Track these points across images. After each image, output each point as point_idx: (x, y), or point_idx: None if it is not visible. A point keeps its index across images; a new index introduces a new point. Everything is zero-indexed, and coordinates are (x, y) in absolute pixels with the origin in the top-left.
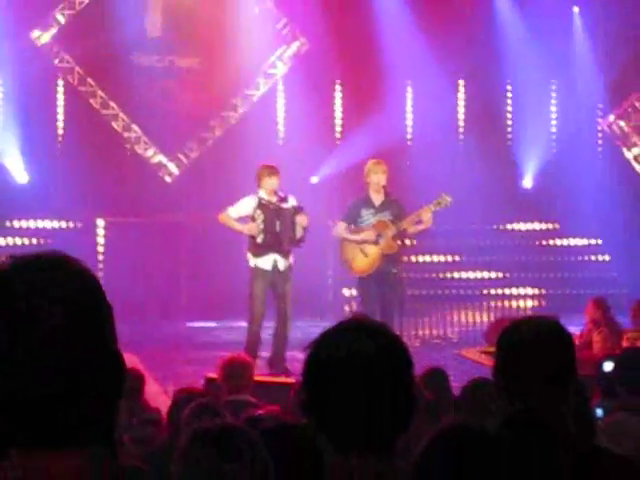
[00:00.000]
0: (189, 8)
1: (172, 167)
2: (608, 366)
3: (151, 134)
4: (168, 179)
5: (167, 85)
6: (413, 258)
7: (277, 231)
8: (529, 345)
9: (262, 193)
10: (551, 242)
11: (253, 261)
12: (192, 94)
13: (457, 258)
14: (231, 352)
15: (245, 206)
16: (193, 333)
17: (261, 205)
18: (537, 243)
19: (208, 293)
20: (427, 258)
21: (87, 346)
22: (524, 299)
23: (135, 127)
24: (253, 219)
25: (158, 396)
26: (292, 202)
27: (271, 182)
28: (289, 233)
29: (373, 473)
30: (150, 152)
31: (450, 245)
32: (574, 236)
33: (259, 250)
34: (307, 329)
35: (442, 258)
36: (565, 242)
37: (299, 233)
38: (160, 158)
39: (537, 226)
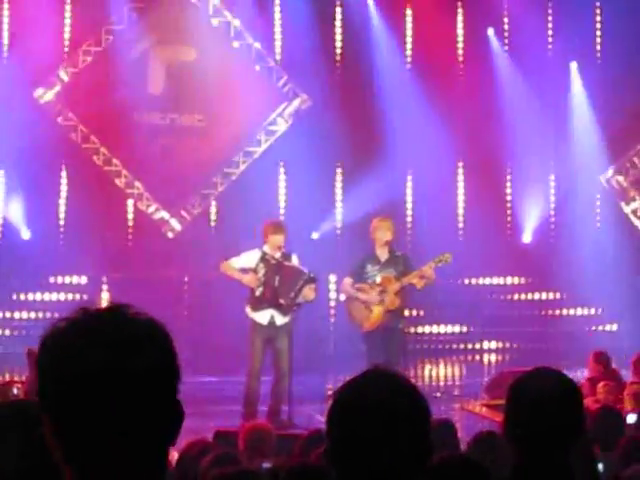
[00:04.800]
0: (191, 66)
1: (174, 223)
2: (631, 418)
3: (154, 190)
4: (170, 235)
5: (169, 142)
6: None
7: (275, 286)
8: (541, 399)
9: (266, 248)
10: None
11: (251, 315)
12: (194, 151)
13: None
14: (244, 416)
15: (249, 259)
16: (197, 388)
17: (264, 259)
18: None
19: (211, 348)
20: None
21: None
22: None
23: (138, 184)
24: (255, 272)
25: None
26: (295, 260)
27: (277, 239)
28: (288, 291)
29: None
30: (152, 208)
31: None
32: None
33: (257, 304)
34: (308, 383)
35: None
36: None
37: (301, 299)
38: (162, 214)
39: (543, 296)
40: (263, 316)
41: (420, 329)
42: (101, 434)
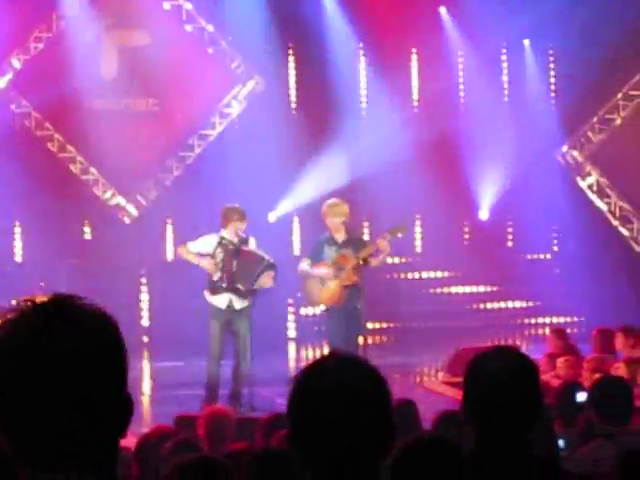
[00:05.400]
0: (144, 50)
1: (131, 208)
2: (581, 396)
3: (109, 176)
4: (127, 220)
5: (124, 127)
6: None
7: (233, 271)
8: (498, 377)
9: (224, 233)
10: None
11: (209, 299)
12: (149, 135)
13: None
14: (203, 400)
15: (206, 244)
16: (158, 373)
17: (222, 244)
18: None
19: (171, 332)
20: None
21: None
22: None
23: (93, 170)
24: (212, 257)
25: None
26: (252, 244)
27: (239, 225)
28: (246, 276)
29: None
30: (108, 194)
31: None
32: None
33: (215, 288)
34: (268, 366)
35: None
36: None
37: (258, 286)
38: (119, 200)
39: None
40: (221, 300)
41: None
42: (44, 425)
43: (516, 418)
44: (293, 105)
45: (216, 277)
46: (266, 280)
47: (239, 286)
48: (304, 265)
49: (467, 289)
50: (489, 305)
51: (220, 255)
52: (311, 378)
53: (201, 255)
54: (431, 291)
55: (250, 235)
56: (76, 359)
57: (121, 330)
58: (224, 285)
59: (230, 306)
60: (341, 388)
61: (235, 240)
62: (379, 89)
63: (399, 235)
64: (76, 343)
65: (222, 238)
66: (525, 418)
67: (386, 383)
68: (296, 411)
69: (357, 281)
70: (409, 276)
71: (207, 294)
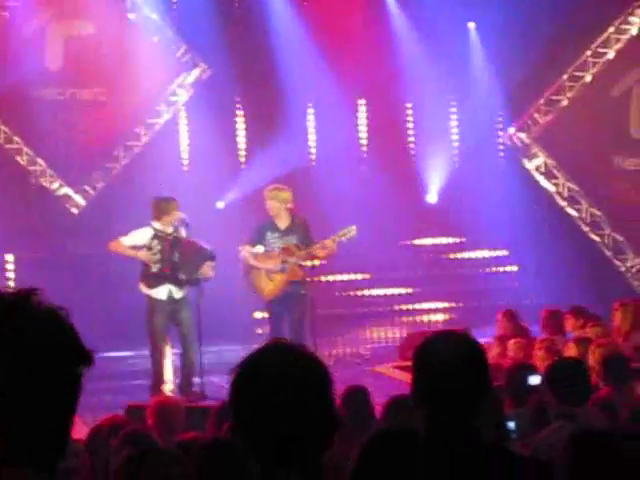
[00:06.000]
0: (88, 39)
1: (78, 198)
2: (535, 379)
3: (56, 167)
4: (75, 210)
5: (70, 117)
6: (323, 278)
7: (175, 261)
8: (444, 361)
9: (157, 225)
10: (458, 255)
11: (147, 291)
12: (96, 125)
13: (367, 276)
14: (152, 390)
15: (140, 236)
16: (107, 363)
17: (157, 236)
18: (444, 257)
19: (120, 322)
20: (337, 277)
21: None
22: (435, 313)
23: (40, 160)
24: (149, 249)
25: (77, 427)
26: (183, 233)
27: (172, 215)
28: (189, 266)
29: None
30: (56, 185)
31: (358, 263)
32: (481, 248)
33: (153, 280)
34: (219, 353)
35: (352, 277)
36: (472, 255)
37: (199, 275)
38: (66, 190)
39: (444, 240)
40: (161, 292)
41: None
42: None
43: (464, 403)
44: (239, 92)
45: (155, 268)
46: (207, 270)
47: (181, 276)
48: (247, 254)
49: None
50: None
51: (158, 247)
52: (252, 366)
53: (136, 248)
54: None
55: (183, 224)
56: (35, 354)
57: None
58: (166, 275)
59: (170, 296)
60: (282, 376)
61: (169, 230)
62: (325, 75)
63: (346, 237)
64: (36, 339)
65: (156, 230)
66: (473, 403)
67: (328, 371)
68: (238, 399)
69: (302, 275)
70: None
71: (144, 287)
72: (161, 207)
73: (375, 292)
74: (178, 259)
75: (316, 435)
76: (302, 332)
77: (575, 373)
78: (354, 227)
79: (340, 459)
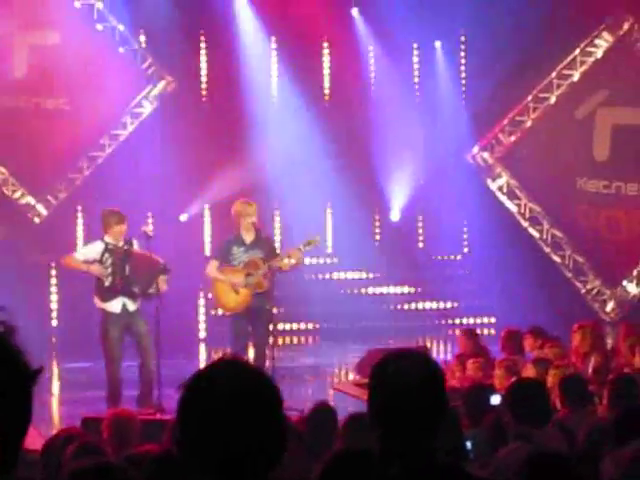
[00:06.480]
0: (54, 49)
1: (40, 208)
2: (495, 399)
3: (19, 175)
4: (37, 220)
5: (34, 126)
6: None
7: (127, 275)
8: (401, 381)
9: (108, 238)
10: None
11: (101, 305)
12: (59, 135)
13: None
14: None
15: (91, 251)
16: (67, 374)
17: (108, 250)
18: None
19: (80, 333)
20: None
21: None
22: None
23: (2, 169)
24: (101, 263)
25: (34, 438)
26: (135, 246)
27: (121, 228)
28: (142, 279)
29: None
30: (18, 194)
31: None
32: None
33: (107, 294)
34: (178, 367)
35: None
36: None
37: (153, 290)
38: (28, 199)
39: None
40: (115, 305)
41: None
42: None
43: (420, 424)
44: (204, 105)
45: (108, 282)
46: (161, 284)
47: (134, 289)
48: (213, 269)
49: (379, 290)
50: (404, 306)
51: (109, 260)
52: (200, 383)
53: (89, 262)
54: (342, 292)
55: (146, 236)
56: None
57: (30, 330)
58: (118, 289)
59: (125, 309)
60: (231, 394)
61: (120, 244)
62: (291, 83)
63: (311, 247)
64: None
65: (107, 243)
66: (430, 424)
67: (277, 389)
68: (185, 415)
69: (268, 287)
70: (320, 277)
71: (97, 301)
72: (107, 220)
73: None
74: (129, 272)
75: (264, 453)
76: (265, 347)
77: (535, 394)
78: (318, 236)
79: (303, 474)
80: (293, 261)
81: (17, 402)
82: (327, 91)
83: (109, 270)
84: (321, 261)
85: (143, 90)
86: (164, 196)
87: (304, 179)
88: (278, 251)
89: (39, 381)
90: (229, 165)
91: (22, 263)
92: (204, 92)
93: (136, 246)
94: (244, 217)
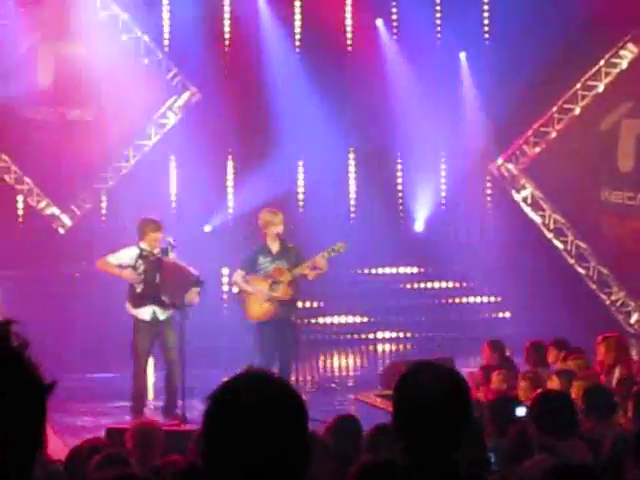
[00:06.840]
0: (79, 60)
1: (65, 218)
2: (520, 411)
3: (44, 186)
4: (61, 230)
5: (59, 136)
6: None
7: (157, 283)
8: (425, 394)
9: (143, 245)
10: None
11: (133, 311)
12: (84, 145)
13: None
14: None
15: (126, 256)
16: (90, 385)
17: (142, 256)
18: (422, 286)
19: (103, 343)
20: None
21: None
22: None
23: (27, 179)
24: (134, 269)
25: (58, 448)
26: (172, 255)
27: (157, 236)
28: (172, 289)
29: None
30: (43, 204)
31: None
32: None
33: (138, 301)
34: (205, 377)
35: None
36: (457, 284)
37: (184, 301)
38: (53, 210)
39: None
40: (145, 312)
41: (317, 320)
42: None
43: (444, 437)
44: (228, 115)
45: (139, 289)
46: (193, 296)
47: (163, 298)
48: (238, 278)
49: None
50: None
51: (142, 267)
52: (227, 394)
53: (122, 267)
54: None
55: (170, 246)
56: None
57: (54, 341)
58: (149, 296)
59: (154, 318)
60: (255, 406)
61: (155, 251)
62: (315, 92)
63: (336, 253)
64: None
65: (142, 250)
66: (453, 437)
67: (302, 401)
68: (211, 427)
69: (293, 295)
70: None
71: (129, 306)
72: (144, 227)
73: (330, 320)
74: (159, 281)
75: (288, 464)
76: (290, 359)
77: (561, 406)
78: (342, 243)
79: None
80: (319, 271)
81: (29, 417)
82: (351, 102)
83: (141, 277)
84: None
85: (167, 101)
86: (188, 206)
87: (330, 188)
88: (302, 257)
89: (52, 395)
90: (253, 175)
91: (47, 273)
92: (228, 102)
93: (173, 256)
94: (271, 227)
